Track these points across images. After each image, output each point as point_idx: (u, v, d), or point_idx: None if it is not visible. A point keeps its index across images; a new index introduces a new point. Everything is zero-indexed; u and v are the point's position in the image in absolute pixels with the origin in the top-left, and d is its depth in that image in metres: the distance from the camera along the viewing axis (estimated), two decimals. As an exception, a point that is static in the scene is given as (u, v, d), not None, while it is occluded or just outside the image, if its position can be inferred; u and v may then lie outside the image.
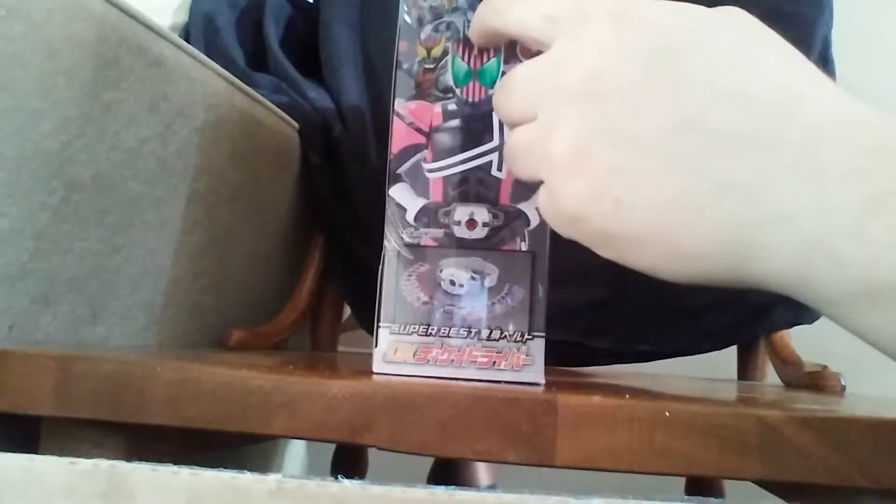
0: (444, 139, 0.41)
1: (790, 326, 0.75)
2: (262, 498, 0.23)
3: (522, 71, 0.29)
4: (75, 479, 0.23)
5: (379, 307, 0.40)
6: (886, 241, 0.21)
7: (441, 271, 0.40)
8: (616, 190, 0.25)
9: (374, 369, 0.40)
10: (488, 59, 0.41)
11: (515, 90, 0.29)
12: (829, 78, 0.25)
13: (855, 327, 0.23)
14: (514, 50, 0.40)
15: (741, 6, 0.27)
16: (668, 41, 0.26)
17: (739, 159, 0.24)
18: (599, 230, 0.26)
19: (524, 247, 0.40)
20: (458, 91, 0.41)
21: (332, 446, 0.90)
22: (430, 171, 0.41)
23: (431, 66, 0.41)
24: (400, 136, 0.41)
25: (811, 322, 0.75)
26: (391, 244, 0.41)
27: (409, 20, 0.42)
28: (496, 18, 0.32)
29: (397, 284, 0.40)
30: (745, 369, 0.81)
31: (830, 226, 0.22)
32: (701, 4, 0.27)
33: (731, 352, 0.82)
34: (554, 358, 0.41)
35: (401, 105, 0.41)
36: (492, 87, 0.41)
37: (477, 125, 0.41)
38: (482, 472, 0.94)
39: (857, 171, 0.22)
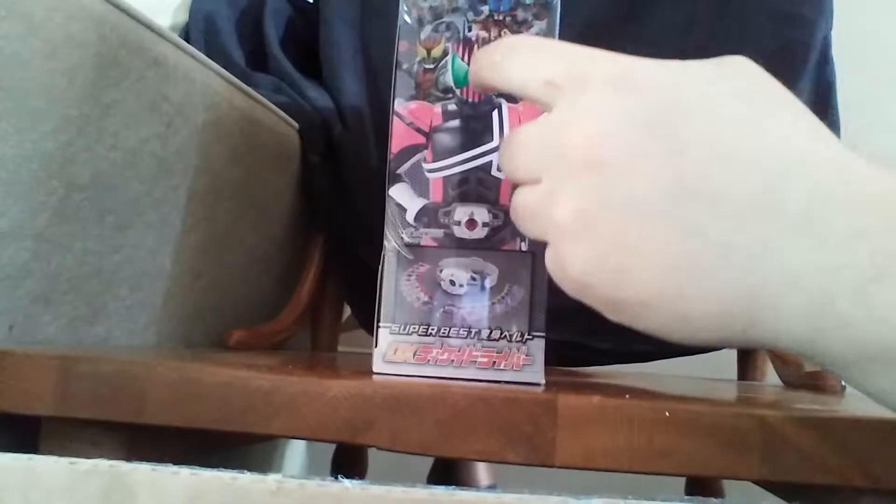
0: (444, 139, 0.41)
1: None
2: (262, 498, 0.23)
3: (525, 133, 0.29)
4: (75, 479, 0.23)
5: (379, 307, 0.40)
6: (891, 302, 0.21)
7: (441, 271, 0.40)
8: (620, 257, 0.26)
9: (374, 369, 0.40)
10: (488, 59, 0.41)
11: (518, 151, 0.29)
12: (830, 132, 0.25)
13: (867, 389, 0.23)
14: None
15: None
16: (667, 103, 0.26)
17: (741, 222, 0.24)
18: (608, 296, 0.27)
19: (524, 247, 0.40)
20: (458, 91, 0.41)
21: (332, 446, 0.90)
22: (430, 171, 0.41)
23: (431, 66, 0.41)
24: (400, 136, 0.41)
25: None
26: (391, 244, 0.41)
27: (409, 20, 0.42)
28: (496, 75, 0.31)
29: (397, 284, 0.40)
30: (745, 369, 0.81)
31: (836, 289, 0.22)
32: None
33: (731, 352, 0.82)
34: (554, 358, 0.41)
35: (401, 105, 0.41)
36: (492, 87, 0.41)
37: (477, 125, 0.41)
38: (482, 472, 0.94)
39: (861, 232, 0.22)
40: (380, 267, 0.41)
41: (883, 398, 0.23)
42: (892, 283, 0.21)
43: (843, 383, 0.64)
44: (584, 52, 0.28)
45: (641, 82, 0.26)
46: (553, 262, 0.28)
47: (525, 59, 0.30)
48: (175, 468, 0.23)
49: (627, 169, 0.25)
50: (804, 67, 0.72)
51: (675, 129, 0.25)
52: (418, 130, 0.41)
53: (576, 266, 0.27)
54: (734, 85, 0.26)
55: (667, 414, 0.31)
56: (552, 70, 0.28)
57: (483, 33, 0.41)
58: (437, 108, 0.41)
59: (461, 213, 0.41)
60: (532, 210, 0.29)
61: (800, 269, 0.22)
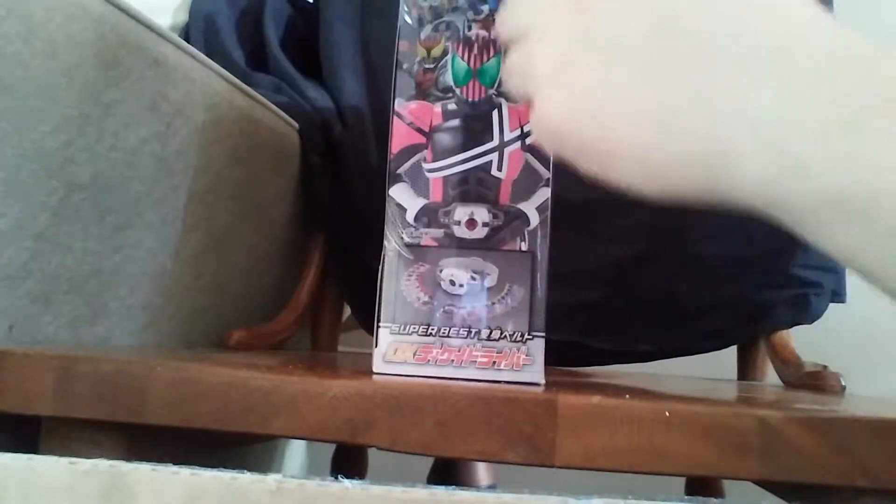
0: (444, 139, 0.41)
1: (790, 326, 0.75)
2: (262, 498, 0.23)
3: None
4: (75, 479, 0.23)
5: (379, 307, 0.40)
6: (851, 152, 0.21)
7: (441, 271, 0.40)
8: (595, 101, 0.26)
9: (374, 369, 0.40)
10: (488, 58, 0.41)
11: (511, 12, 0.31)
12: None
13: (825, 244, 0.22)
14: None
15: None
16: None
17: (710, 67, 0.24)
18: (579, 142, 0.27)
19: (524, 247, 0.40)
20: (458, 91, 0.41)
21: (332, 446, 0.90)
22: (430, 171, 0.41)
23: (431, 66, 0.41)
24: (400, 136, 0.41)
25: (811, 322, 0.75)
26: (391, 244, 0.41)
27: (409, 20, 0.42)
28: None
29: (397, 284, 0.40)
30: (745, 369, 0.81)
31: (797, 134, 0.22)
32: None
33: (731, 352, 0.82)
34: (554, 358, 0.41)
35: (401, 105, 0.41)
36: (492, 86, 0.41)
37: (477, 125, 0.41)
38: (482, 472, 0.94)
39: (824, 78, 0.22)
40: (380, 267, 0.41)
41: (843, 253, 0.22)
42: (851, 131, 0.21)
43: (842, 383, 0.64)
44: None
45: None
46: (534, 116, 0.28)
47: None
48: (175, 468, 0.23)
49: (609, 14, 0.26)
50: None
51: None
52: (418, 130, 0.41)
53: (552, 113, 0.27)
54: None
55: (667, 414, 0.31)
56: None
57: (483, 33, 0.41)
58: (437, 108, 0.41)
59: (461, 212, 0.40)
60: (518, 65, 0.30)
61: (762, 116, 0.22)
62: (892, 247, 0.20)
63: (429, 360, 0.40)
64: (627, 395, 0.33)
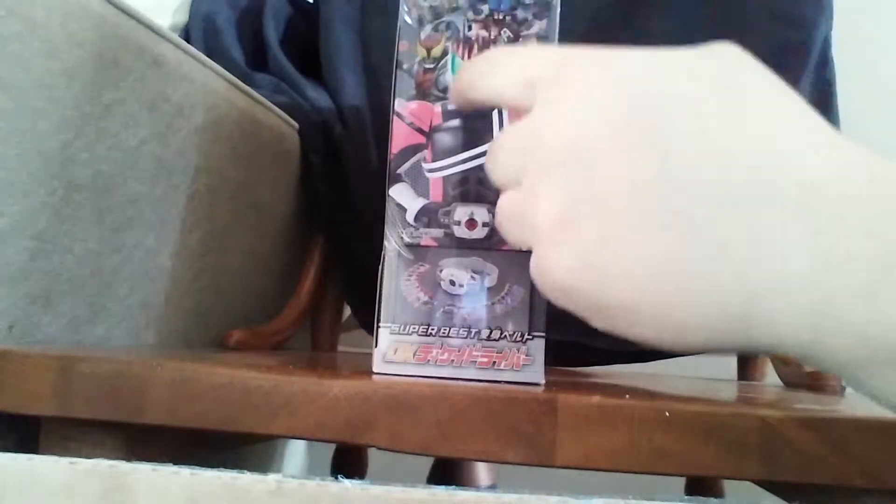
0: (444, 139, 0.41)
1: (790, 326, 0.75)
2: (262, 498, 0.23)
3: (505, 136, 0.28)
4: (75, 479, 0.23)
5: (379, 307, 0.40)
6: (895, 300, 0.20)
7: (441, 271, 0.40)
8: (604, 259, 0.24)
9: (374, 369, 0.40)
10: (488, 59, 0.41)
11: (500, 155, 0.28)
12: (825, 122, 0.23)
13: (869, 390, 0.22)
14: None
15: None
16: (650, 97, 0.24)
17: (730, 219, 0.22)
18: (591, 302, 0.25)
19: (524, 247, 0.40)
20: (458, 91, 0.41)
21: (332, 446, 0.90)
22: (430, 171, 0.41)
23: (431, 66, 0.41)
24: (400, 136, 0.41)
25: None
26: (391, 244, 0.41)
27: (409, 20, 0.42)
28: (476, 89, 0.30)
29: (397, 284, 0.40)
30: (745, 369, 0.81)
31: (839, 288, 0.20)
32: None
33: (731, 352, 0.82)
34: (554, 358, 0.41)
35: (401, 105, 0.41)
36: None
37: (477, 125, 0.41)
38: (482, 472, 0.94)
39: (864, 229, 0.20)
40: (380, 267, 0.41)
41: (885, 398, 0.22)
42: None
43: (843, 383, 0.64)
44: (560, 51, 0.27)
45: (620, 75, 0.25)
46: (536, 268, 0.26)
47: (501, 67, 0.29)
48: (175, 468, 0.23)
49: (609, 166, 0.24)
50: (804, 68, 0.72)
51: (656, 122, 0.24)
52: (418, 130, 0.41)
53: (557, 269, 0.25)
54: (719, 74, 0.24)
55: (667, 414, 0.31)
56: (528, 72, 0.27)
57: (483, 33, 0.41)
58: (437, 107, 0.41)
59: (461, 212, 0.40)
60: (514, 214, 0.27)
61: (798, 268, 0.21)
62: None
63: (429, 360, 0.40)
64: (627, 395, 0.33)
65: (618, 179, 0.24)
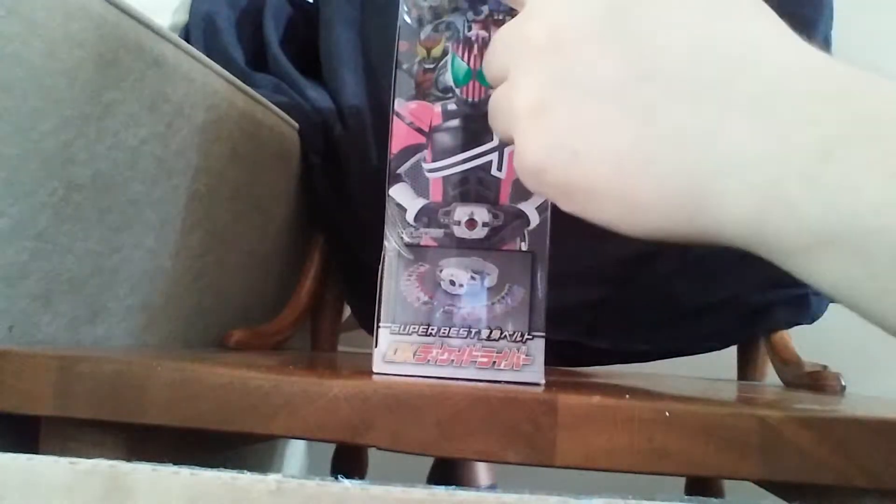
0: (444, 139, 0.41)
1: (790, 326, 0.75)
2: (262, 498, 0.23)
3: (499, 32, 0.31)
4: (75, 479, 0.23)
5: (379, 307, 0.40)
6: (839, 188, 0.20)
7: (441, 271, 0.40)
8: (574, 141, 0.26)
9: (374, 369, 0.40)
10: (488, 59, 0.41)
11: (492, 52, 0.31)
12: (791, 31, 0.25)
13: (813, 278, 0.22)
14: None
15: None
16: None
17: (693, 108, 0.24)
18: (560, 182, 0.27)
19: (524, 247, 0.40)
20: (458, 91, 0.41)
21: (332, 446, 0.90)
22: (430, 171, 0.41)
23: (431, 66, 0.41)
24: (400, 136, 0.41)
25: (811, 322, 0.75)
26: (391, 244, 0.41)
27: (409, 20, 0.42)
28: None
29: (397, 284, 0.40)
30: (745, 369, 0.81)
31: (784, 173, 0.22)
32: None
33: (731, 352, 0.82)
34: (554, 358, 0.41)
35: (401, 105, 0.41)
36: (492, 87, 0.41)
37: (477, 125, 0.41)
38: (482, 472, 0.94)
39: (810, 118, 0.22)
40: (380, 267, 0.41)
41: (830, 287, 0.22)
42: (839, 165, 0.21)
43: (842, 383, 0.64)
44: None
45: None
46: (515, 155, 0.28)
47: None
48: (175, 468, 0.23)
49: (586, 55, 0.26)
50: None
51: (634, 18, 0.25)
52: (418, 130, 0.41)
53: (532, 152, 0.27)
54: None
55: (667, 414, 0.31)
56: None
57: (483, 33, 0.41)
58: (437, 108, 0.41)
59: (461, 212, 0.41)
60: (500, 105, 0.30)
61: (749, 154, 0.22)
62: (885, 284, 0.20)
63: (429, 360, 0.40)
64: (627, 395, 0.33)
65: (592, 68, 0.26)
